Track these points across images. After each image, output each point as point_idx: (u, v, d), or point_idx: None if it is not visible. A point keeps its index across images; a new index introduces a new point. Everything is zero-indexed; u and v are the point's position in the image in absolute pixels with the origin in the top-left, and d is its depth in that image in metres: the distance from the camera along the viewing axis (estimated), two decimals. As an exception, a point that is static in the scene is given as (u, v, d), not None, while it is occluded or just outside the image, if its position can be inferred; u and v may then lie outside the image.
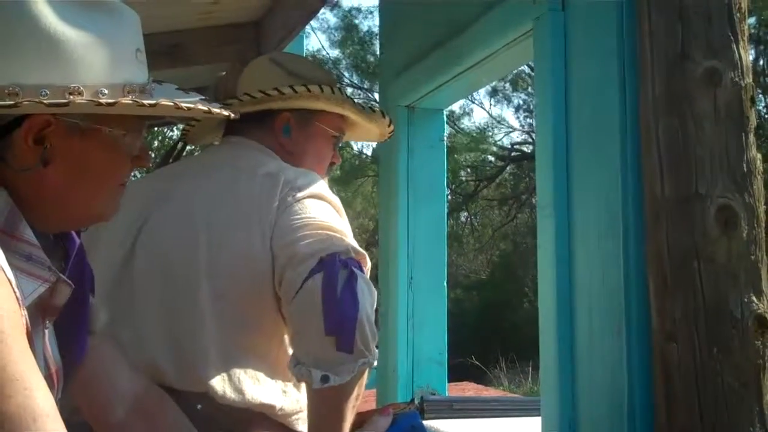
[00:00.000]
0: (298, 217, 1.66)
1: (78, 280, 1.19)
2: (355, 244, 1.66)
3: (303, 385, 1.68)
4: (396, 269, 2.62)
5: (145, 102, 1.08)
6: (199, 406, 1.61)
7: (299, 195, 1.69)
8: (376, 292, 1.65)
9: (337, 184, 17.29)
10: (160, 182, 1.90)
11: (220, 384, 1.63)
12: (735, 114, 1.43)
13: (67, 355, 1.22)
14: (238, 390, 1.64)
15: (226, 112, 1.18)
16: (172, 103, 1.10)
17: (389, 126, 2.01)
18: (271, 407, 1.69)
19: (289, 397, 1.72)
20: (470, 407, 2.41)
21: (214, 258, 1.67)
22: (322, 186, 1.75)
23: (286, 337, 1.73)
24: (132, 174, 1.25)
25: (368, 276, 1.66)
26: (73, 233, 1.23)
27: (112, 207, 1.21)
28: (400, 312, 2.59)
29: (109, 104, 1.05)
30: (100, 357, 1.35)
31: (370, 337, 1.57)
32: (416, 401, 2.32)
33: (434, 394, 2.60)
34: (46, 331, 1.15)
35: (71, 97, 1.04)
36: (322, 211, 1.70)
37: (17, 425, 0.89)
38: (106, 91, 1.06)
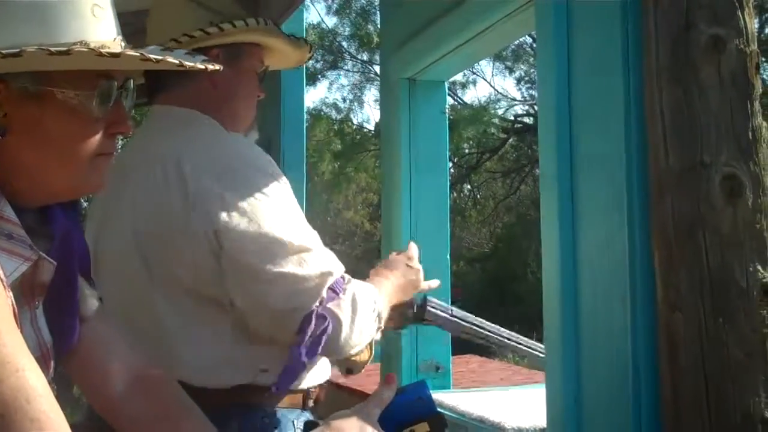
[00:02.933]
0: (249, 230, 1.59)
1: (64, 261, 1.17)
2: (311, 243, 1.63)
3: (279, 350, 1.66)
4: (399, 242, 2.61)
5: (53, 49, 0.99)
6: None
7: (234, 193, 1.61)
8: (366, 295, 1.69)
9: (339, 158, 17.28)
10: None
11: (188, 370, 1.60)
12: (740, 82, 1.41)
13: (57, 337, 1.20)
14: (207, 372, 1.62)
15: (200, 66, 1.11)
16: (87, 50, 1.02)
17: (309, 52, 2.00)
18: (245, 386, 1.66)
19: (263, 374, 1.68)
20: (469, 321, 2.30)
21: (150, 255, 1.66)
22: (258, 163, 1.68)
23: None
24: (116, 142, 1.19)
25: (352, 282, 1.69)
26: (61, 215, 1.19)
27: (95, 178, 1.15)
28: (403, 285, 2.59)
29: (12, 54, 0.98)
30: (96, 338, 1.33)
31: (360, 338, 1.67)
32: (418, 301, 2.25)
33: (439, 367, 2.61)
34: (36, 311, 1.14)
35: None
36: (271, 215, 1.62)
37: (12, 407, 0.88)
38: (54, 51, 0.99)
